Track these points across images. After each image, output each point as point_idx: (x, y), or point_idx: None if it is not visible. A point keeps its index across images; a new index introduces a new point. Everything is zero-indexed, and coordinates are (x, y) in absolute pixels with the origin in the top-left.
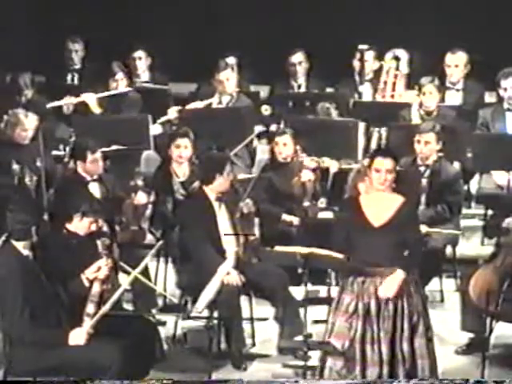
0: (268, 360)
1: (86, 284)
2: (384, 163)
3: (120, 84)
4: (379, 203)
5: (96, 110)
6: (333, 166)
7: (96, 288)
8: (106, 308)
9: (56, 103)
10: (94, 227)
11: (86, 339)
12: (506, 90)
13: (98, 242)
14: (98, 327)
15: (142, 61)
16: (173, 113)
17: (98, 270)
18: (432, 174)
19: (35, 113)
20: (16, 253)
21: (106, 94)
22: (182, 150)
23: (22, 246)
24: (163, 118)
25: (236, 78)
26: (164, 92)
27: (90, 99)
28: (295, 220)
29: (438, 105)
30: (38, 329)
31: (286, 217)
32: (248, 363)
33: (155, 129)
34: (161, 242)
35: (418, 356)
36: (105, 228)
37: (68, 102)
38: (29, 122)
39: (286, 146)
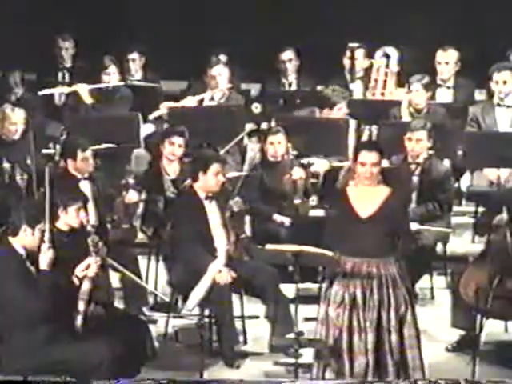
0: (260, 358)
1: (76, 282)
2: (369, 156)
3: (112, 78)
4: (366, 195)
5: (88, 100)
6: (322, 166)
7: (85, 286)
8: None
9: (48, 91)
10: (82, 215)
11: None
12: (497, 83)
13: (88, 240)
14: (89, 325)
15: (135, 62)
16: (164, 109)
17: (88, 267)
18: (423, 171)
19: (25, 110)
20: (11, 249)
21: (98, 85)
22: (176, 148)
23: (19, 245)
24: (154, 114)
25: (228, 73)
26: (155, 90)
27: (82, 89)
28: (286, 221)
29: (427, 102)
30: (28, 326)
31: (277, 217)
32: (240, 361)
33: (147, 128)
34: None
35: (407, 346)
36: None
37: (60, 91)
38: (16, 116)
39: (280, 145)
